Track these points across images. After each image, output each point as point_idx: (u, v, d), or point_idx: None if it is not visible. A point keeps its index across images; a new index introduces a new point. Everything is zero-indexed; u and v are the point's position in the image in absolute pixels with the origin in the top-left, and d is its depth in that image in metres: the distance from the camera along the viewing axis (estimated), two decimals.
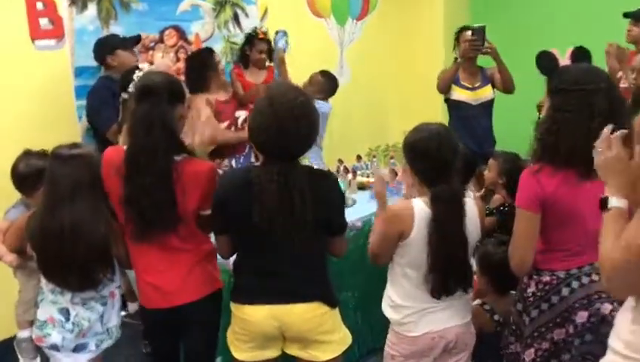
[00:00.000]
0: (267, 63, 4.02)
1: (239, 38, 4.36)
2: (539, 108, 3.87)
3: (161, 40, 3.88)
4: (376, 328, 2.99)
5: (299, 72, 4.62)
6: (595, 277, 1.95)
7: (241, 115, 3.82)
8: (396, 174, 3.57)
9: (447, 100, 4.18)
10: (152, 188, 1.88)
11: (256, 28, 3.98)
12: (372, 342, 3.09)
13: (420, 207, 1.98)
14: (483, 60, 4.12)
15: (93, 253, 1.98)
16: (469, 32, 3.93)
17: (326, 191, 1.92)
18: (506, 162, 2.97)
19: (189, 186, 1.94)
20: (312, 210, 1.82)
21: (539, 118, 3.70)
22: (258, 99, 1.88)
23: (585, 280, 1.96)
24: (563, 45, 5.05)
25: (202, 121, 3.22)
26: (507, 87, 4.02)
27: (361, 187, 3.68)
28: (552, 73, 2.06)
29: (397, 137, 5.98)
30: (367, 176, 3.80)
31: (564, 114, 1.88)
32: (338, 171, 3.79)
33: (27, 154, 2.36)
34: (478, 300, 2.52)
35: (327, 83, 4.21)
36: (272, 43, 3.98)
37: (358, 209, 3.30)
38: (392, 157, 4.09)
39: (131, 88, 2.26)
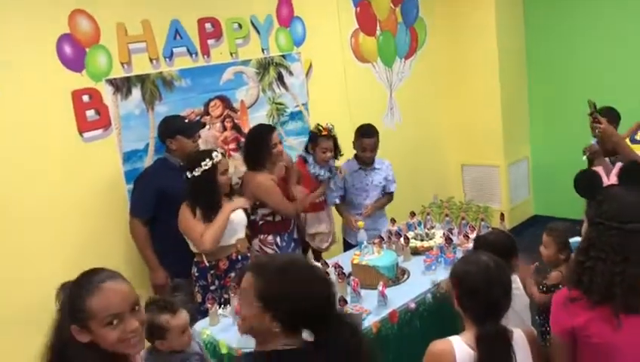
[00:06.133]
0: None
1: (285, 99, 4.36)
2: (584, 152, 3.62)
3: (206, 112, 3.89)
4: None
5: (347, 121, 4.56)
6: None
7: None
8: (451, 241, 3.42)
9: None
10: None
11: (319, 125, 3.86)
12: None
13: (462, 349, 1.83)
14: None
15: None
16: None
17: None
18: (564, 235, 2.77)
19: None
20: None
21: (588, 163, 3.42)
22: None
23: None
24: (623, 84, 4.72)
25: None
26: None
27: (415, 252, 3.55)
28: (592, 196, 1.83)
29: (455, 186, 5.87)
30: (422, 240, 3.66)
31: (598, 253, 1.71)
32: (390, 237, 3.67)
33: None
34: None
35: None
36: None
37: (412, 284, 3.17)
38: (447, 215, 3.93)
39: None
